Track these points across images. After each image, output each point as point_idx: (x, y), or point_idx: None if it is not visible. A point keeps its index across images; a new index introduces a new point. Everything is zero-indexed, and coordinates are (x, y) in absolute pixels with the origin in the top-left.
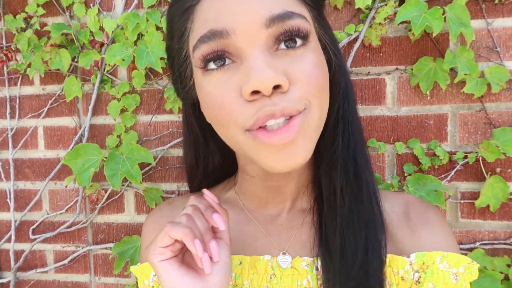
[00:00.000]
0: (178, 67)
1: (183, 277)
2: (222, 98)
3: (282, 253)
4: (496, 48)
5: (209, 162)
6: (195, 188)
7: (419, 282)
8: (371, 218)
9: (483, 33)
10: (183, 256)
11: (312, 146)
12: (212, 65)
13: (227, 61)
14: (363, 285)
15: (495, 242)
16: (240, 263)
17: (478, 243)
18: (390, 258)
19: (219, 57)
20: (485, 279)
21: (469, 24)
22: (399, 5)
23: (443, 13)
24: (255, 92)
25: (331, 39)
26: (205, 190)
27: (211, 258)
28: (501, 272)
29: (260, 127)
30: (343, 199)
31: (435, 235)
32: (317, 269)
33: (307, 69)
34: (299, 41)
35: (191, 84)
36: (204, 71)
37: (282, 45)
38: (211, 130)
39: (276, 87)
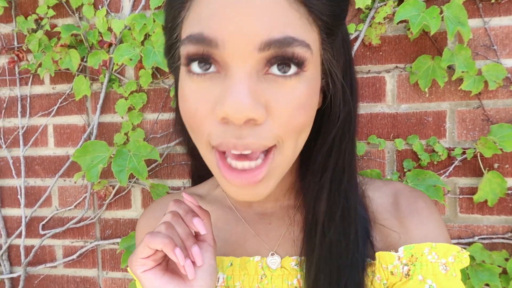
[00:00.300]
0: (169, 45)
1: (167, 285)
2: (196, 109)
3: (271, 254)
4: (493, 46)
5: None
6: (194, 177)
7: (408, 275)
8: (355, 234)
9: (480, 31)
10: (167, 263)
11: (276, 182)
12: (196, 68)
13: (212, 67)
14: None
15: (493, 236)
16: (231, 264)
17: (476, 238)
18: (379, 255)
19: (204, 61)
20: (483, 273)
21: (466, 23)
22: (398, 5)
23: (441, 12)
24: (225, 118)
25: (338, 64)
26: (184, 194)
27: (194, 263)
28: (499, 266)
29: (225, 156)
30: (327, 203)
31: (424, 225)
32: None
33: (292, 104)
34: (293, 68)
35: (178, 65)
36: (187, 70)
37: (274, 69)
38: None
39: (250, 120)
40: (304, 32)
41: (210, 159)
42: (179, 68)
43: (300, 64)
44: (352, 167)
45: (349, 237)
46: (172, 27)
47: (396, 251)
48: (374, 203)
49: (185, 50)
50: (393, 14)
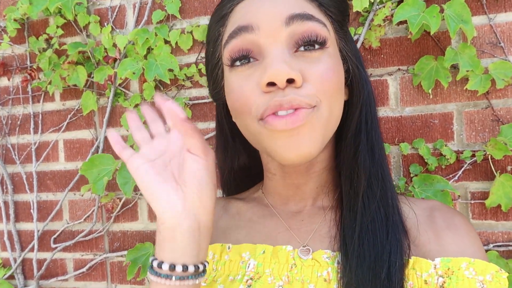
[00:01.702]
0: (211, 69)
1: (159, 184)
2: (242, 90)
3: (303, 246)
4: (499, 43)
5: (235, 160)
6: (226, 190)
7: (443, 287)
8: (391, 221)
9: (485, 29)
10: (165, 168)
11: (319, 140)
12: (238, 63)
13: (251, 59)
14: (386, 276)
15: (510, 243)
16: (264, 252)
17: (491, 245)
18: (414, 260)
19: (245, 57)
20: None
21: (469, 21)
22: (397, 6)
23: (442, 11)
24: (270, 84)
25: (353, 52)
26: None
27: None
28: None
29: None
30: (363, 204)
31: (461, 241)
32: (338, 263)
33: (321, 70)
34: (316, 46)
35: (222, 85)
36: (231, 68)
37: (301, 48)
38: (239, 131)
39: (290, 81)
40: (319, 15)
41: (258, 130)
42: (223, 88)
43: (322, 42)
44: (380, 142)
45: (387, 224)
46: (213, 51)
47: (433, 260)
48: (409, 215)
49: (228, 49)
50: (392, 15)
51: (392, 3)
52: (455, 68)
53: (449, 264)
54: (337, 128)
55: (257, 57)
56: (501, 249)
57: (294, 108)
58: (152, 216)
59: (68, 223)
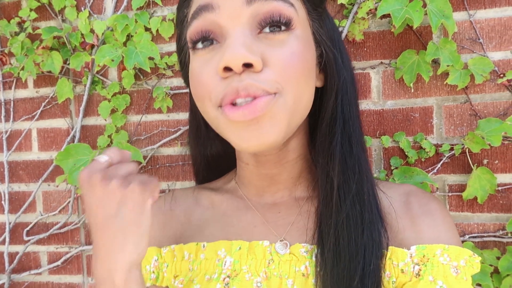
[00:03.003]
0: (179, 52)
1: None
2: (201, 75)
3: (280, 240)
4: (479, 39)
5: (207, 148)
6: (199, 178)
7: (419, 275)
8: (369, 213)
9: (465, 25)
10: None
11: (283, 128)
12: (199, 45)
13: (214, 42)
14: (359, 278)
15: (484, 234)
16: (240, 248)
17: (467, 236)
18: (390, 251)
19: (206, 39)
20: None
21: (451, 16)
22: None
23: (424, 6)
24: (227, 69)
25: (328, 34)
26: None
27: None
28: (491, 265)
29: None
30: (339, 198)
31: (436, 227)
32: (316, 257)
33: (285, 55)
34: (282, 28)
35: (189, 69)
36: (193, 50)
37: (266, 29)
38: None
39: (248, 65)
40: None
41: (217, 117)
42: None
43: (286, 23)
44: (359, 133)
45: (363, 222)
46: (180, 33)
47: (408, 249)
48: (385, 202)
49: (189, 32)
50: (376, 8)
51: None
52: (435, 62)
53: (424, 252)
54: (312, 115)
55: (218, 39)
56: (476, 240)
57: (252, 96)
58: None
59: (41, 215)
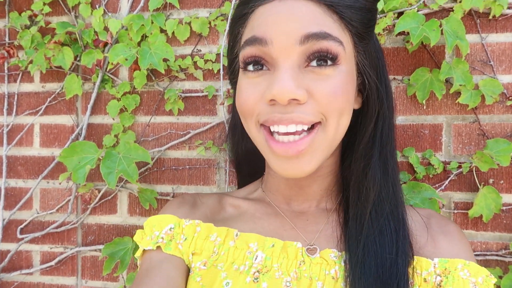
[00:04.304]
0: (230, 62)
1: None
2: (248, 96)
3: (310, 245)
4: (489, 62)
5: (241, 145)
6: (239, 170)
7: (440, 286)
8: (402, 236)
9: (477, 47)
10: None
11: (318, 161)
12: (250, 68)
13: (264, 67)
14: (388, 285)
15: (487, 253)
16: (273, 245)
17: None
18: (416, 260)
19: (257, 63)
20: None
21: (464, 37)
22: (398, 17)
23: (440, 26)
24: (273, 100)
25: (372, 64)
26: None
27: None
28: (493, 284)
29: (272, 134)
30: (371, 218)
31: (455, 245)
32: (345, 262)
33: (329, 89)
34: (329, 62)
35: (237, 79)
36: (243, 70)
37: (313, 63)
38: None
39: (294, 99)
40: (337, 32)
41: (259, 137)
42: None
43: (333, 58)
44: (394, 156)
45: (398, 239)
46: (233, 46)
47: (432, 259)
48: (408, 219)
49: (242, 53)
50: (393, 25)
51: (394, 14)
52: (447, 81)
53: (446, 265)
54: (347, 133)
55: (269, 66)
56: (479, 258)
57: (295, 123)
58: (131, 209)
59: (38, 213)
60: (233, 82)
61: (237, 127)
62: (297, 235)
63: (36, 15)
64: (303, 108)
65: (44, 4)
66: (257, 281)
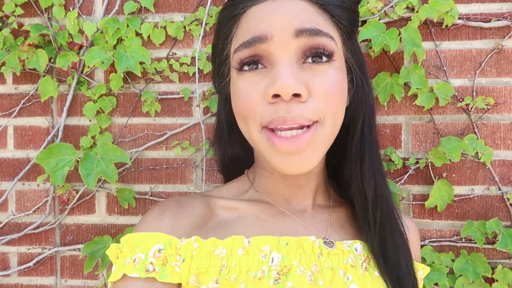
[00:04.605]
0: (218, 64)
1: None
2: (249, 96)
3: (325, 238)
4: (443, 67)
5: (228, 151)
6: (225, 175)
7: None
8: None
9: (432, 53)
10: None
11: (319, 156)
12: (246, 68)
13: (260, 65)
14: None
15: (442, 239)
16: (287, 244)
17: (427, 241)
18: None
19: (254, 62)
20: (433, 273)
21: (420, 45)
22: (361, 25)
23: (399, 34)
24: (276, 96)
25: (358, 63)
26: None
27: None
28: (447, 266)
29: (274, 130)
30: (372, 206)
31: (417, 248)
32: (356, 250)
33: (327, 85)
34: (324, 58)
35: (227, 81)
36: (239, 71)
37: (309, 60)
38: (237, 125)
39: (296, 95)
40: (328, 28)
41: (260, 139)
42: (228, 84)
43: (329, 55)
44: (380, 156)
45: (395, 219)
46: (222, 48)
47: None
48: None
49: (239, 55)
50: (357, 33)
51: None
52: (405, 85)
53: (414, 266)
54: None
55: (265, 64)
56: (435, 244)
57: (298, 124)
58: (110, 209)
59: (14, 215)
60: (222, 85)
61: (223, 134)
62: (309, 232)
63: (7, 17)
64: (304, 106)
65: (16, 5)
66: (281, 283)
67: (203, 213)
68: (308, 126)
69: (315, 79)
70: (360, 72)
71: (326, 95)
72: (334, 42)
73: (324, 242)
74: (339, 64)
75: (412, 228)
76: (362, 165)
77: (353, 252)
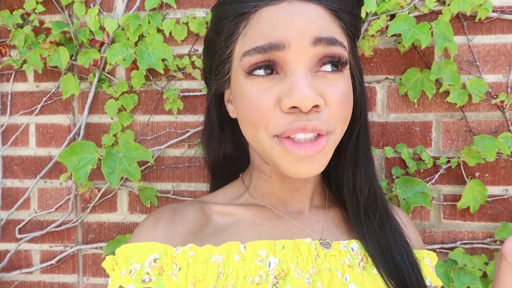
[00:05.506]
0: (218, 61)
1: None
2: (260, 103)
3: (322, 239)
4: (475, 62)
5: (219, 150)
6: (213, 175)
7: None
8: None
9: (464, 48)
10: None
11: (327, 161)
12: (261, 72)
13: (274, 72)
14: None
15: (474, 241)
16: (284, 247)
17: (458, 243)
18: None
19: (268, 67)
20: (465, 276)
21: (452, 39)
22: (390, 19)
23: (430, 28)
24: (294, 107)
25: (359, 69)
26: None
27: None
28: (480, 270)
29: (288, 137)
30: (365, 207)
31: (417, 237)
32: (352, 249)
33: (339, 95)
34: (336, 68)
35: (225, 79)
36: (248, 75)
37: (324, 68)
38: (228, 122)
39: (314, 106)
40: (341, 37)
41: (271, 145)
42: (227, 82)
43: (343, 64)
44: (372, 158)
45: (390, 215)
46: (225, 45)
47: None
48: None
49: (251, 60)
50: (386, 27)
51: (386, 16)
52: (436, 81)
53: (417, 255)
54: None
55: (279, 71)
56: (467, 246)
57: (317, 133)
58: (132, 207)
59: (36, 213)
60: (219, 83)
61: (214, 132)
62: (306, 234)
63: (28, 14)
64: (321, 115)
65: (37, 2)
66: (279, 287)
67: (199, 220)
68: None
69: (329, 88)
70: (360, 79)
71: (339, 105)
72: (347, 52)
73: (321, 243)
74: (347, 73)
75: (404, 218)
76: (356, 168)
77: (350, 252)
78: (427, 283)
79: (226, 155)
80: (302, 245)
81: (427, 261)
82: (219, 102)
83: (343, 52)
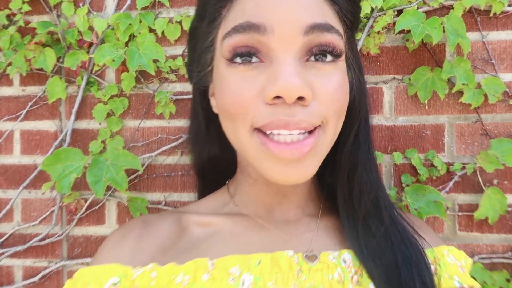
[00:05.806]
0: (199, 50)
1: None
2: (241, 93)
3: (308, 252)
4: (491, 60)
5: (205, 150)
6: (201, 176)
7: (436, 274)
8: (406, 235)
9: (478, 45)
10: None
11: (318, 164)
12: (239, 59)
13: (254, 59)
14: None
15: (493, 256)
16: (260, 262)
17: (476, 257)
18: None
19: (249, 55)
20: None
21: (465, 35)
22: (397, 15)
23: (441, 23)
24: (277, 97)
25: (357, 61)
26: None
27: None
28: (501, 287)
29: (268, 136)
30: (366, 216)
31: (432, 235)
32: (344, 261)
33: (332, 87)
34: (329, 57)
35: (208, 71)
36: (230, 62)
37: (313, 58)
38: (216, 121)
39: (299, 98)
40: (337, 24)
41: (250, 143)
42: (209, 74)
43: (337, 55)
44: (376, 160)
45: (401, 229)
46: (207, 32)
47: None
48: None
49: (230, 42)
50: (393, 23)
51: (393, 11)
52: (448, 80)
53: (433, 254)
54: None
55: (262, 58)
56: (485, 261)
57: (301, 129)
58: (121, 219)
59: (19, 225)
60: (201, 75)
61: (200, 133)
62: (290, 246)
63: (14, 14)
64: (307, 110)
65: (23, 2)
66: None
67: (172, 233)
68: (310, 131)
69: (320, 80)
70: (359, 72)
71: (331, 99)
72: (343, 41)
73: (305, 256)
74: (343, 65)
75: (417, 223)
76: (353, 173)
77: (341, 264)
78: (456, 284)
79: (212, 158)
80: (282, 259)
81: (450, 259)
82: (204, 98)
83: (338, 40)
